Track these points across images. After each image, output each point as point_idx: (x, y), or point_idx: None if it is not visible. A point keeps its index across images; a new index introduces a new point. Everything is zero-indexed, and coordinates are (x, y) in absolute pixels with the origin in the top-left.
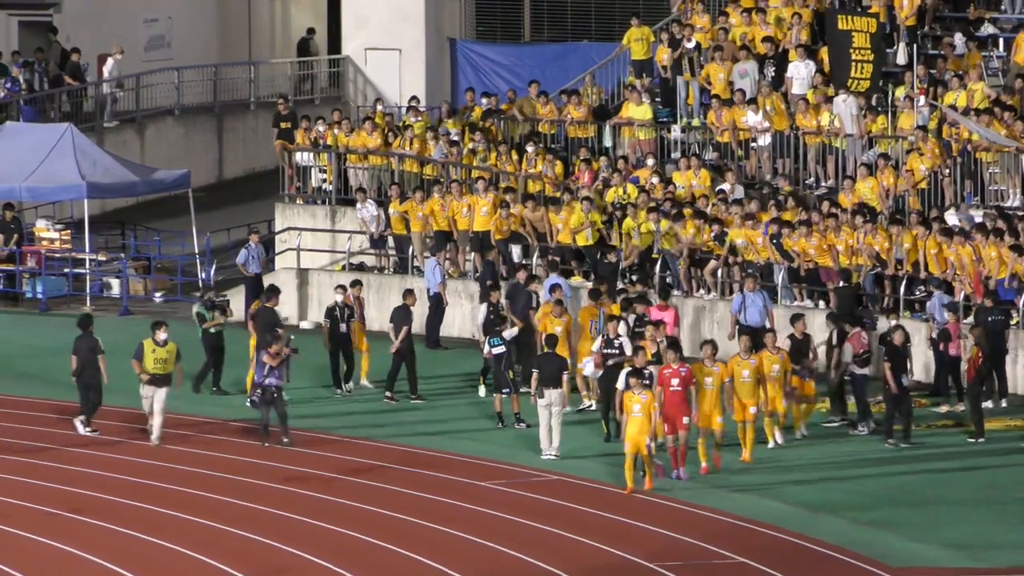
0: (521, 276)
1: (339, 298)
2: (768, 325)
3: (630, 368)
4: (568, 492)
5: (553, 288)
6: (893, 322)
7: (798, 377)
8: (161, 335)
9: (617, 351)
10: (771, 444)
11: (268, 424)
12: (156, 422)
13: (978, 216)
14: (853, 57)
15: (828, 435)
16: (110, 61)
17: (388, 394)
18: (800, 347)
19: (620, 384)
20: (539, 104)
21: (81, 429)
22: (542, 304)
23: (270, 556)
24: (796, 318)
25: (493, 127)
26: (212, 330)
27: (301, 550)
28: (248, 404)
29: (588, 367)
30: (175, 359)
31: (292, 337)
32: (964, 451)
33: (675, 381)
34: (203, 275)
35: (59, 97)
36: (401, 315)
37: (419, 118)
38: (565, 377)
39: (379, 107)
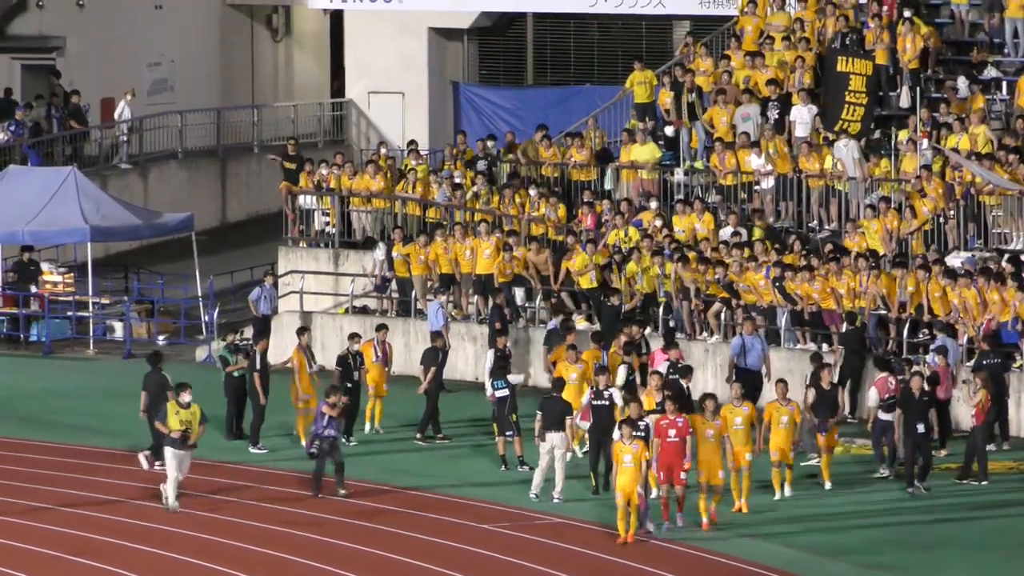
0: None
1: (355, 347)
2: (765, 370)
3: (624, 418)
4: (572, 535)
5: (552, 334)
6: (915, 368)
7: (819, 432)
8: (185, 397)
9: (607, 403)
10: (777, 496)
11: (322, 475)
12: (172, 488)
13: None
14: (847, 99)
15: (846, 481)
16: (122, 103)
17: (419, 436)
18: (826, 399)
19: (616, 435)
20: (543, 148)
21: (145, 465)
22: (554, 349)
23: None
24: (823, 367)
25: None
26: (235, 373)
27: None
28: (308, 455)
29: (578, 420)
30: (199, 421)
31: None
32: (970, 495)
33: (672, 432)
34: (206, 318)
35: (62, 140)
36: (430, 357)
37: (420, 161)
38: (569, 421)
39: (383, 150)
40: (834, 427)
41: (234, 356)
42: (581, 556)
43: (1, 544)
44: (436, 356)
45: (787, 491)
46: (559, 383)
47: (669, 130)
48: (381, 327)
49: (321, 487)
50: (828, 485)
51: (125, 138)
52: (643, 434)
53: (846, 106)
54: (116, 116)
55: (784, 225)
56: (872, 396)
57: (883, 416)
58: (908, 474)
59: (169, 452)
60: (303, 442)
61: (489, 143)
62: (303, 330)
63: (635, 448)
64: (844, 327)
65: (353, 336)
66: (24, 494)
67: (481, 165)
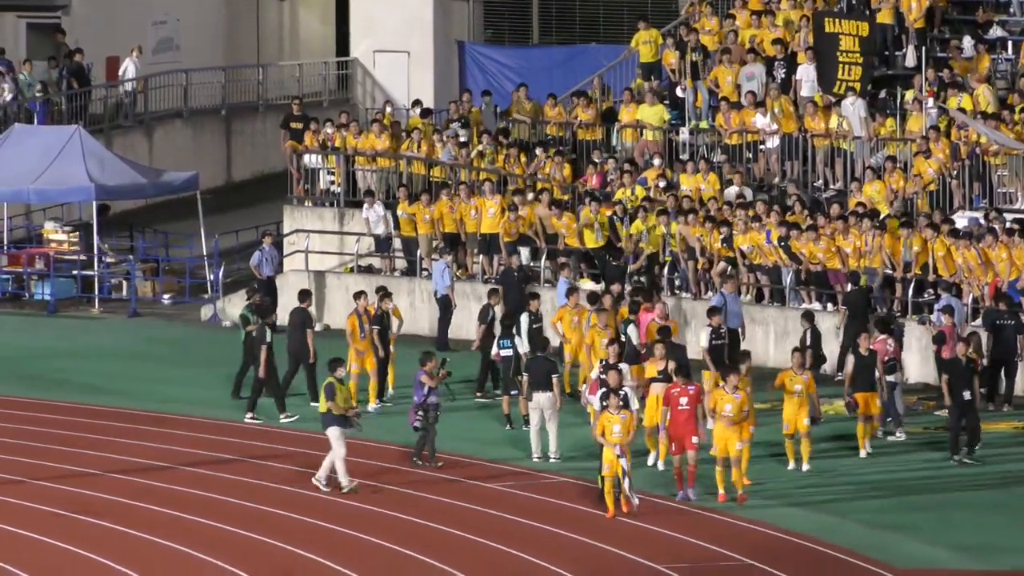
0: (514, 262)
1: (390, 305)
2: (742, 331)
3: (605, 389)
4: (576, 494)
5: (570, 292)
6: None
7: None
8: (340, 372)
9: (624, 392)
10: (791, 466)
11: (431, 445)
12: (341, 467)
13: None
14: (840, 59)
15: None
16: (127, 61)
17: (478, 393)
18: (867, 364)
19: (596, 404)
20: (527, 106)
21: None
22: (557, 307)
23: (278, 557)
24: (859, 333)
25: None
26: (254, 333)
27: (308, 551)
28: (413, 428)
29: (587, 394)
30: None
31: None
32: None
33: (684, 400)
34: (211, 277)
35: (73, 98)
36: (482, 314)
37: (428, 121)
38: (556, 380)
39: (388, 108)
40: (874, 394)
41: (254, 316)
42: (580, 513)
43: (8, 503)
44: (486, 313)
45: (804, 466)
46: (544, 342)
47: (679, 90)
48: (382, 291)
49: (424, 456)
50: (863, 453)
51: (133, 96)
52: (623, 403)
53: (840, 66)
54: (121, 74)
55: (783, 185)
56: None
57: (886, 378)
58: (952, 441)
59: (335, 431)
60: (371, 404)
61: (484, 99)
62: (360, 294)
63: (623, 418)
64: (848, 287)
65: (384, 293)
66: (30, 453)
67: (455, 127)
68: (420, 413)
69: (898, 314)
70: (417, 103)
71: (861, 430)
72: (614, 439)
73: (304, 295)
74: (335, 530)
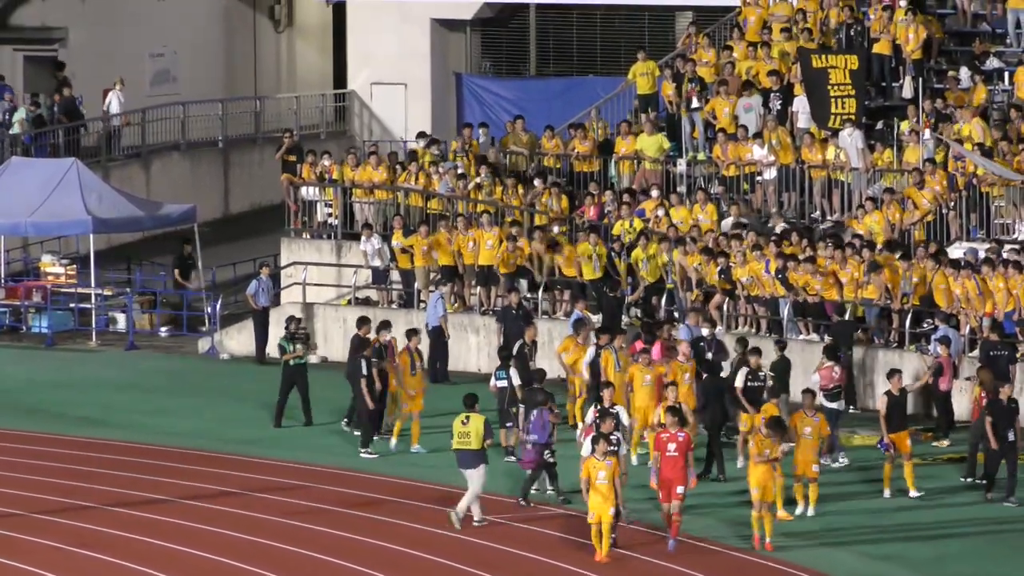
0: (513, 299)
1: (387, 336)
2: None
3: (594, 433)
4: (570, 526)
5: (577, 324)
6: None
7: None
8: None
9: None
10: (799, 510)
11: (555, 482)
12: (461, 503)
13: (981, 251)
14: (832, 94)
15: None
16: (111, 95)
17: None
18: (899, 403)
19: (585, 450)
20: (524, 137)
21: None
22: (564, 337)
23: None
24: (892, 373)
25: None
26: (291, 362)
27: None
28: (531, 467)
29: (580, 437)
30: (483, 435)
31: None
32: (971, 486)
33: (672, 446)
34: (208, 310)
35: (56, 133)
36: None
37: (435, 151)
38: (547, 414)
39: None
40: (906, 432)
41: (291, 344)
42: (575, 545)
43: (6, 536)
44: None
45: (809, 510)
46: (540, 373)
47: (686, 122)
48: (413, 331)
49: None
50: (913, 493)
51: (117, 130)
52: (615, 448)
53: (833, 100)
54: (105, 108)
55: (774, 220)
56: (814, 381)
57: (828, 404)
58: (989, 481)
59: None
60: (413, 446)
61: (481, 131)
62: (413, 332)
63: (608, 464)
64: (835, 318)
65: (384, 325)
66: (28, 486)
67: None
68: (548, 452)
69: (895, 344)
70: (422, 135)
71: (888, 470)
72: (599, 485)
73: (362, 321)
74: (335, 563)
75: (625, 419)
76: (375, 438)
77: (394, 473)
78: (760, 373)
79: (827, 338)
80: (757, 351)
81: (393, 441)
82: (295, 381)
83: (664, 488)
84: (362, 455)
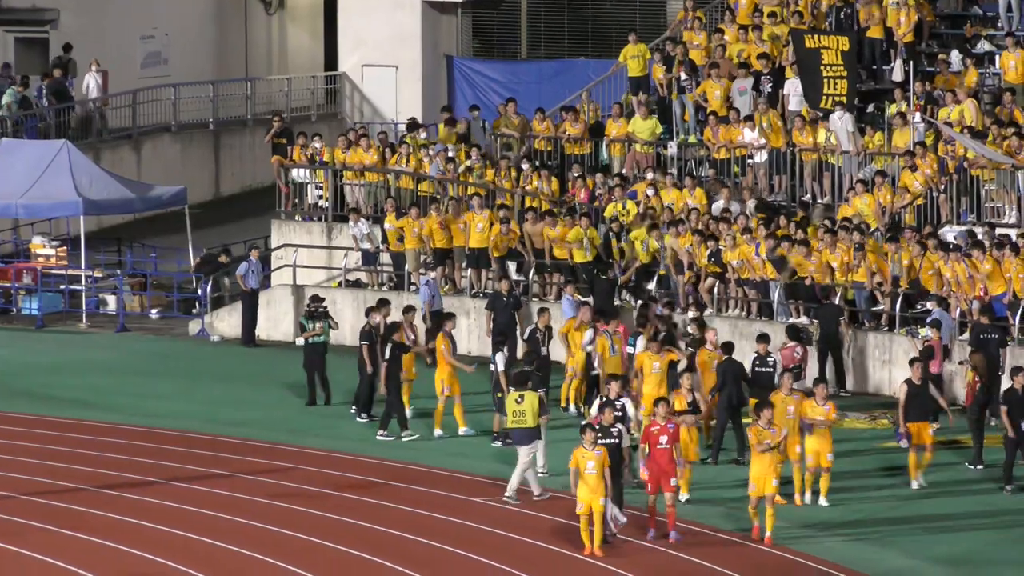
0: (504, 287)
1: (376, 319)
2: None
3: (586, 422)
4: (562, 508)
5: (581, 306)
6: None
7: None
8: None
9: (619, 413)
10: (807, 498)
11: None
12: (512, 480)
13: (979, 232)
14: (824, 74)
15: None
16: (87, 77)
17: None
18: (919, 393)
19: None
20: (515, 120)
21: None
22: (566, 320)
23: (260, 571)
24: (913, 361)
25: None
26: (310, 340)
27: (293, 565)
28: (501, 444)
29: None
30: (538, 412)
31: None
32: (963, 469)
33: (663, 439)
34: (199, 292)
35: (60, 113)
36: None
37: (424, 134)
38: (542, 394)
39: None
40: (926, 423)
41: (311, 323)
42: (566, 527)
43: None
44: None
45: (822, 500)
46: (529, 356)
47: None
48: (409, 308)
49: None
50: (915, 484)
51: (98, 112)
52: (617, 440)
53: (826, 81)
54: (84, 90)
55: (777, 200)
56: (771, 362)
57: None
58: (1007, 471)
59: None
60: (436, 431)
61: (472, 113)
62: (449, 316)
63: (598, 454)
64: (823, 302)
65: (375, 307)
66: (19, 468)
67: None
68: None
69: (886, 328)
70: (413, 123)
71: (913, 460)
72: (587, 476)
73: (381, 304)
74: (325, 545)
75: (631, 411)
76: (363, 419)
77: (389, 456)
78: (769, 359)
79: (814, 321)
80: (765, 337)
81: (437, 431)
82: (315, 360)
83: (655, 480)
84: (379, 437)
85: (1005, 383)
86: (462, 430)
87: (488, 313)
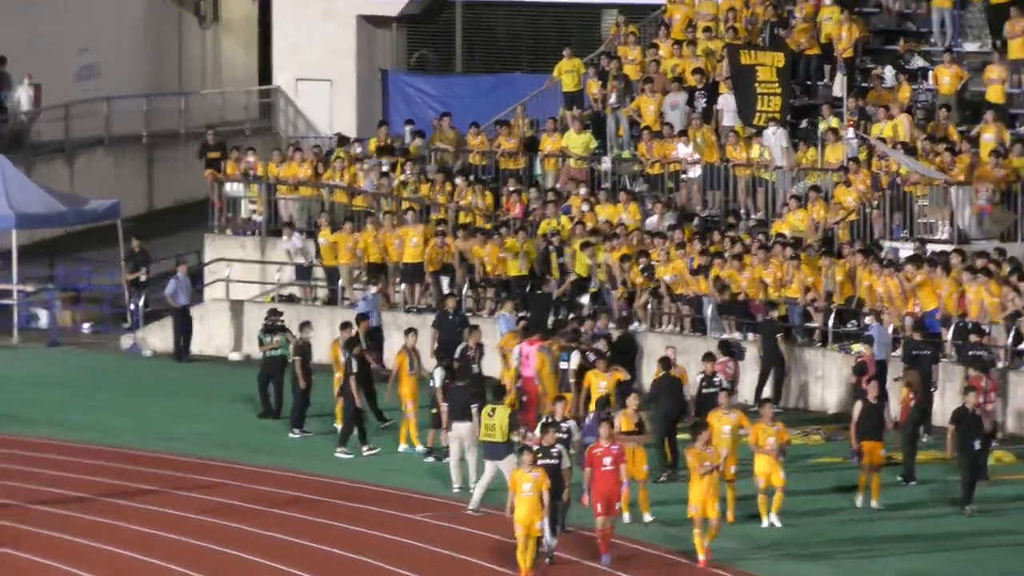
0: (449, 304)
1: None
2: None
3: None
4: (496, 525)
5: (520, 322)
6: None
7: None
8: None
9: (564, 435)
10: (764, 523)
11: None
12: (476, 493)
13: (907, 250)
14: (758, 91)
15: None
16: (19, 90)
17: None
18: (874, 412)
19: (512, 463)
20: (450, 134)
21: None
22: (503, 336)
23: None
24: (870, 380)
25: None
26: (267, 354)
27: None
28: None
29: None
30: (507, 427)
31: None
32: (898, 488)
33: (607, 460)
34: (131, 306)
35: None
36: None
37: (360, 148)
38: (475, 410)
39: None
40: (880, 443)
41: (268, 336)
42: (500, 545)
43: None
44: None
45: (775, 520)
46: (463, 372)
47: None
48: (410, 331)
49: None
50: (875, 503)
51: (27, 125)
52: (556, 461)
53: (759, 98)
54: (16, 103)
55: (712, 214)
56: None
57: None
58: (964, 493)
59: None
60: (417, 447)
61: (407, 128)
62: (410, 331)
63: (535, 476)
64: (762, 317)
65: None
66: None
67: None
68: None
69: (819, 344)
70: (344, 139)
71: (864, 480)
72: (524, 498)
73: (344, 325)
74: (259, 563)
75: (576, 435)
76: (296, 434)
77: (326, 472)
78: (715, 379)
79: (756, 336)
80: (710, 356)
81: (418, 447)
82: (271, 373)
83: (603, 502)
84: (337, 454)
85: (936, 399)
86: (402, 447)
87: (433, 332)
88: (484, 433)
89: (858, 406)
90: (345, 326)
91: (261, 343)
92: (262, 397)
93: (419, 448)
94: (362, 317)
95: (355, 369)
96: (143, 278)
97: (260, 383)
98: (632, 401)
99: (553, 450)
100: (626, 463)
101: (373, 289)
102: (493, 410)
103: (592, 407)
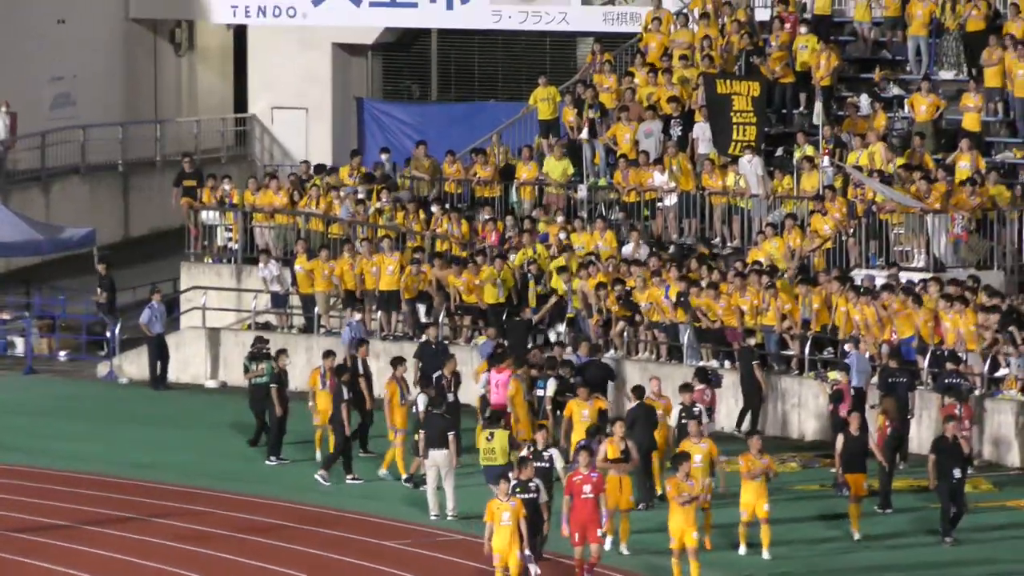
0: (431, 334)
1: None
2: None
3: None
4: (475, 553)
5: (497, 349)
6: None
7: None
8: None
9: (545, 465)
10: (742, 550)
11: None
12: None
13: (881, 278)
14: (734, 120)
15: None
16: None
17: None
18: (856, 444)
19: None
20: (426, 163)
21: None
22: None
23: None
24: (851, 411)
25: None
26: (253, 381)
27: None
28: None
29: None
30: (508, 450)
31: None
32: (875, 517)
33: (587, 488)
34: (107, 334)
35: None
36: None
37: (325, 177)
38: (451, 437)
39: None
40: (863, 475)
41: (254, 363)
42: (478, 572)
43: None
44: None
45: (765, 554)
46: (439, 400)
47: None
48: (398, 360)
49: None
50: (857, 536)
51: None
52: (534, 495)
53: (735, 127)
54: None
55: (687, 242)
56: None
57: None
58: (944, 523)
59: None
60: (400, 473)
61: (383, 156)
62: (399, 360)
63: (512, 506)
64: (741, 344)
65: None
66: None
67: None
68: None
69: (796, 372)
70: (319, 167)
71: (854, 511)
72: (502, 528)
73: (327, 354)
74: None
75: (559, 464)
76: (272, 462)
77: (301, 499)
78: (694, 409)
79: (730, 364)
80: (688, 387)
81: (383, 470)
82: (258, 399)
83: (580, 531)
84: (317, 476)
85: (912, 426)
86: (382, 472)
87: (416, 362)
88: (485, 458)
89: (840, 439)
90: (328, 354)
91: (247, 370)
92: (259, 424)
93: (382, 472)
94: (361, 342)
95: (346, 396)
96: (102, 300)
97: (255, 411)
98: (618, 428)
99: (531, 484)
100: (606, 491)
101: (357, 316)
102: (492, 434)
103: (584, 436)
